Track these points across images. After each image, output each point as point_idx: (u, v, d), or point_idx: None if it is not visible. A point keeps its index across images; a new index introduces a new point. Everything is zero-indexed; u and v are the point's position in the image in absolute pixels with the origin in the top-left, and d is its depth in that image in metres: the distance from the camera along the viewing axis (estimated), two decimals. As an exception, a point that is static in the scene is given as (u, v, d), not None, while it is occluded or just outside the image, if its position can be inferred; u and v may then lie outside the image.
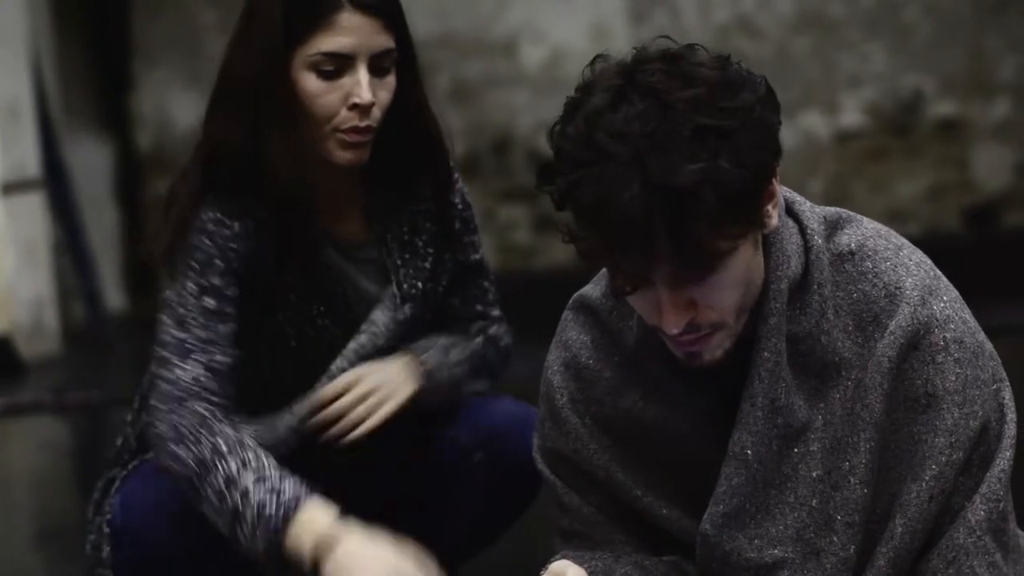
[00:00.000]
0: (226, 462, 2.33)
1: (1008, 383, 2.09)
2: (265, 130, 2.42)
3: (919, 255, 2.10)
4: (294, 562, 2.29)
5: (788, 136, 8.35)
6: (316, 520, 2.27)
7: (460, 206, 2.60)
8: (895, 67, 8.38)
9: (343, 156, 2.44)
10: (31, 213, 7.43)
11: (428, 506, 2.59)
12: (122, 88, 8.72)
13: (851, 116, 8.42)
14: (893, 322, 2.02)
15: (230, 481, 2.32)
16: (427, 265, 2.55)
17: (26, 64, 7.43)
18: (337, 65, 2.42)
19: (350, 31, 2.41)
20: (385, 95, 2.45)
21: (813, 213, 2.08)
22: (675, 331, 1.94)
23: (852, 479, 2.03)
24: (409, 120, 2.50)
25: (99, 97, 8.71)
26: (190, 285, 2.42)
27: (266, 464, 2.33)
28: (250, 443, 2.35)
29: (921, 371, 2.02)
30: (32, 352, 7.21)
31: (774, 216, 1.99)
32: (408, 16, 2.51)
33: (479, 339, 2.62)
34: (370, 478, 2.57)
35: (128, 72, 8.71)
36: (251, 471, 2.32)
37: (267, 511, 2.29)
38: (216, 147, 2.46)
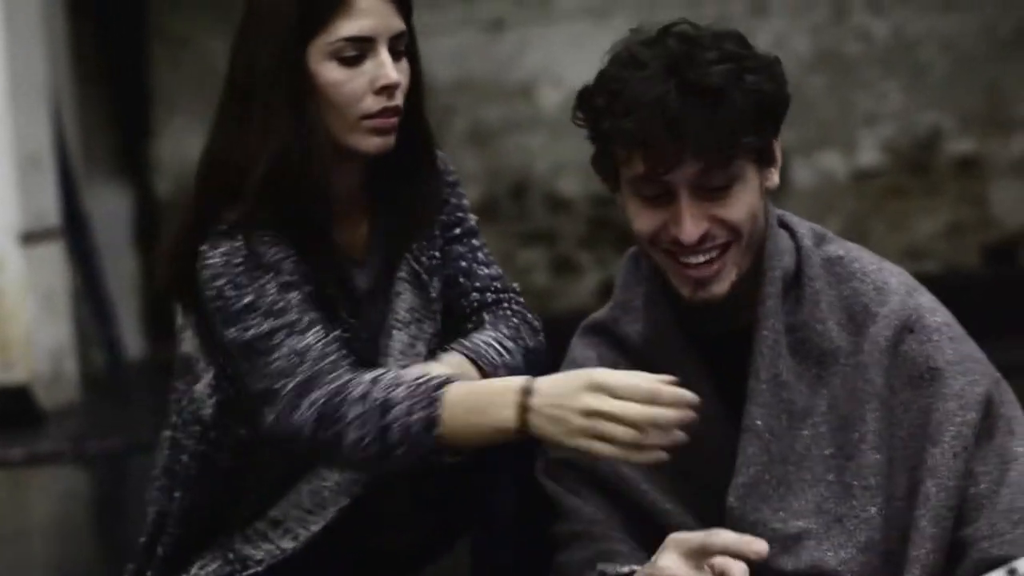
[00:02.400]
0: (362, 377, 2.26)
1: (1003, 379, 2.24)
2: (288, 132, 2.32)
3: (899, 268, 2.30)
4: (453, 441, 2.20)
5: (806, 175, 8.36)
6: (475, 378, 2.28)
7: (461, 191, 2.54)
8: (912, 105, 8.38)
9: (373, 143, 2.37)
10: (51, 262, 7.45)
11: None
12: (142, 136, 8.75)
13: (868, 155, 8.42)
14: (885, 308, 2.22)
15: (373, 382, 2.25)
16: (436, 253, 2.49)
17: (47, 114, 7.46)
18: (359, 50, 2.35)
19: (369, 13, 2.35)
20: (404, 78, 2.40)
21: (802, 223, 2.31)
22: (692, 239, 2.15)
23: (863, 446, 2.19)
24: (415, 108, 2.43)
25: (119, 145, 8.74)
26: (269, 287, 2.32)
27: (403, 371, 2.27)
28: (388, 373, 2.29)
29: (920, 350, 2.20)
30: (52, 401, 7.21)
31: (775, 176, 2.22)
32: (426, 62, 2.49)
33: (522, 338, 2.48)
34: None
35: (148, 120, 8.74)
36: (391, 374, 2.27)
37: (422, 382, 2.22)
38: (234, 163, 2.34)
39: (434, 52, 8.64)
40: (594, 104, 2.18)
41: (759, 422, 2.19)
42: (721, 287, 2.18)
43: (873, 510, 2.18)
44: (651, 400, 2.10)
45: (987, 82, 8.34)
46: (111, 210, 8.59)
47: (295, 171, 2.33)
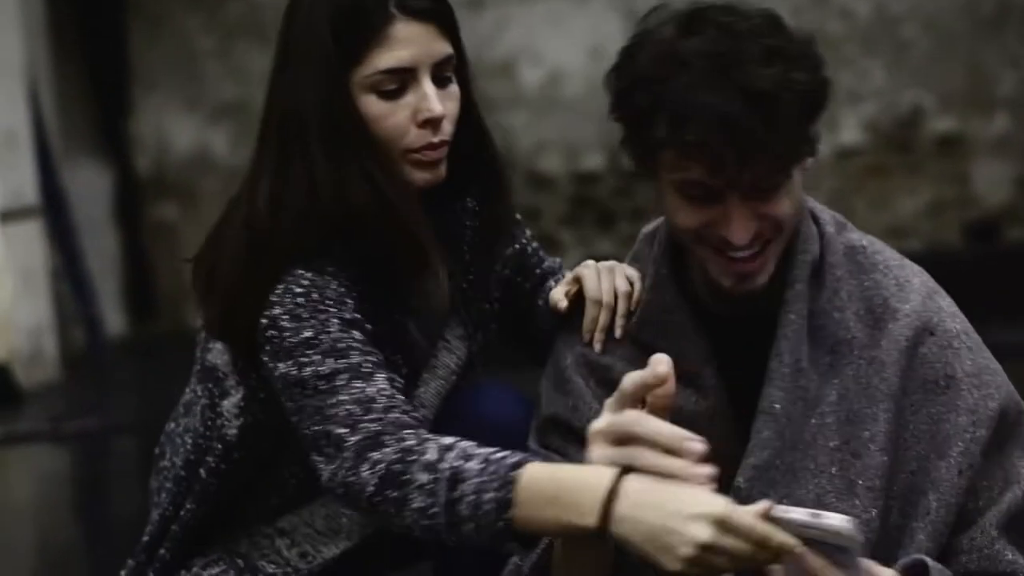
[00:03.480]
0: (435, 441, 2.04)
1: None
2: (342, 168, 2.19)
3: (921, 268, 2.25)
4: (526, 527, 1.96)
5: (788, 154, 8.37)
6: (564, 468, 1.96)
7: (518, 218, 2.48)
8: (894, 83, 8.37)
9: (420, 177, 2.25)
10: (29, 240, 7.42)
11: None
12: (120, 113, 8.71)
13: (850, 133, 8.41)
14: (907, 306, 2.18)
15: (446, 449, 2.02)
16: (487, 306, 2.42)
17: (24, 91, 7.42)
18: (399, 82, 2.22)
19: (407, 42, 2.21)
20: (452, 106, 2.27)
21: (824, 210, 2.26)
22: (743, 241, 2.08)
23: (872, 446, 2.14)
24: (470, 130, 2.32)
25: (97, 122, 8.70)
26: (333, 321, 2.16)
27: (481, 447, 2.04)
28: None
29: (940, 355, 2.16)
30: (31, 380, 7.19)
31: (810, 159, 2.16)
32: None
33: None
34: None
35: (126, 97, 8.70)
36: (463, 443, 2.04)
37: (497, 458, 1.98)
38: (290, 201, 2.20)
39: (415, 29, 8.61)
40: (635, 103, 2.05)
41: (777, 406, 2.14)
42: (763, 279, 2.13)
43: (874, 512, 2.13)
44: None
45: (969, 60, 8.33)
46: (90, 187, 8.56)
47: (373, 206, 2.21)
